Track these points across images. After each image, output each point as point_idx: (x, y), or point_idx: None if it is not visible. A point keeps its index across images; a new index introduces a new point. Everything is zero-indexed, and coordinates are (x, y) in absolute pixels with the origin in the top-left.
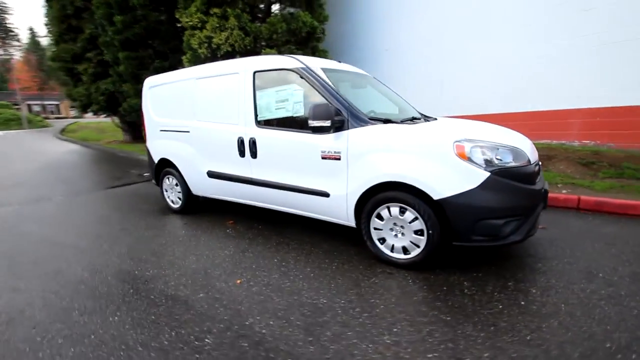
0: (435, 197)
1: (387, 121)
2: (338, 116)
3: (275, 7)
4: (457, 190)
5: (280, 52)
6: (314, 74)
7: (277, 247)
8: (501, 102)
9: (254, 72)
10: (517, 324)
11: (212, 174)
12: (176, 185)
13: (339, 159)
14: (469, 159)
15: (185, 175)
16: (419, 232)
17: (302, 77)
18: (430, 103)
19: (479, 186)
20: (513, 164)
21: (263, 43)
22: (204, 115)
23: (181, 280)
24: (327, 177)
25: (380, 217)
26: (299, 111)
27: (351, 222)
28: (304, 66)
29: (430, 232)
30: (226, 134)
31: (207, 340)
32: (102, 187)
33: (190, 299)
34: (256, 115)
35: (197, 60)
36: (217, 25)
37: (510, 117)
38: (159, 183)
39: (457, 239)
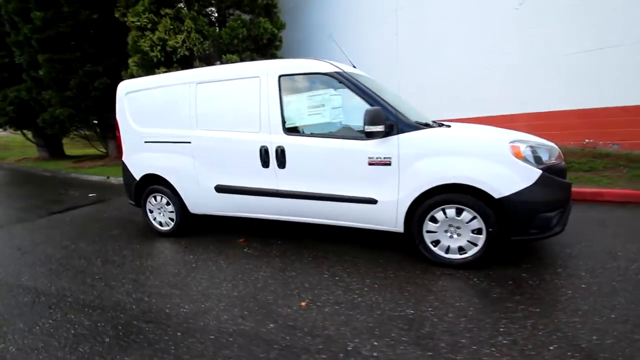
0: (497, 196)
1: (426, 125)
2: (388, 121)
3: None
4: (517, 188)
5: (241, 59)
6: (353, 79)
7: (315, 261)
8: (450, 108)
9: (279, 76)
10: (596, 305)
11: (222, 189)
12: (167, 204)
13: (389, 164)
14: (524, 158)
15: (182, 192)
16: (476, 231)
17: (340, 82)
18: None
19: (534, 183)
20: (554, 161)
21: (224, 48)
22: (211, 123)
23: (234, 312)
24: (375, 183)
25: (433, 219)
26: (338, 117)
27: (399, 227)
28: (340, 70)
29: (490, 229)
30: (243, 144)
31: None
32: (43, 214)
33: (262, 331)
34: (284, 122)
35: (148, 65)
36: (171, 27)
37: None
38: (142, 204)
39: (516, 234)
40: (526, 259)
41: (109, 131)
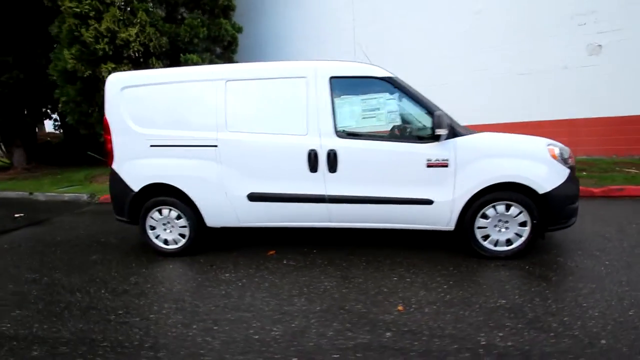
0: (541, 191)
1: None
2: (449, 125)
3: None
4: (556, 184)
5: (202, 60)
6: (406, 85)
7: (372, 266)
8: None
9: (330, 78)
10: (618, 274)
11: (256, 197)
12: (177, 218)
13: (447, 165)
14: (558, 159)
15: (201, 203)
16: (522, 224)
17: (395, 87)
18: None
19: (566, 179)
20: (571, 161)
21: (182, 47)
22: (244, 125)
23: (335, 327)
24: (431, 184)
25: (484, 216)
26: (394, 120)
27: (451, 226)
28: (394, 75)
29: (534, 222)
30: (287, 147)
31: None
32: None
33: (384, 341)
34: (335, 125)
35: (90, 58)
36: (121, 17)
37: None
38: (141, 220)
39: (553, 224)
40: (548, 247)
41: (16, 138)
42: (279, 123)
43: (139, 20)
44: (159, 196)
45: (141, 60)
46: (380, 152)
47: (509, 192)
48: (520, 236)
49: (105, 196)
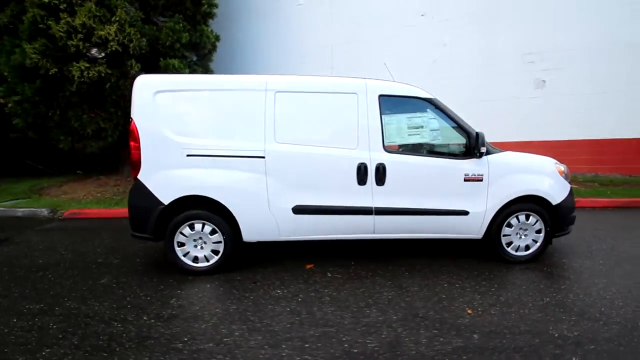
0: (554, 203)
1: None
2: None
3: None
4: (563, 197)
5: (182, 65)
6: (444, 105)
7: (417, 274)
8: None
9: (379, 96)
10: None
11: (302, 209)
12: (212, 233)
13: (481, 180)
14: (563, 175)
15: (241, 216)
16: (538, 232)
17: (437, 107)
18: None
19: (569, 193)
20: (569, 178)
21: (162, 50)
22: (293, 137)
23: (423, 333)
24: (468, 197)
25: (509, 225)
26: (436, 138)
27: (481, 234)
28: (434, 97)
29: (547, 229)
30: (337, 160)
31: None
32: None
33: (475, 343)
34: (383, 140)
35: (58, 54)
36: (98, 13)
37: None
38: (168, 236)
39: (559, 231)
40: (549, 252)
41: None
42: (328, 136)
43: (117, 19)
44: (191, 209)
45: (118, 61)
46: (424, 166)
47: (529, 203)
48: (536, 242)
49: (71, 211)
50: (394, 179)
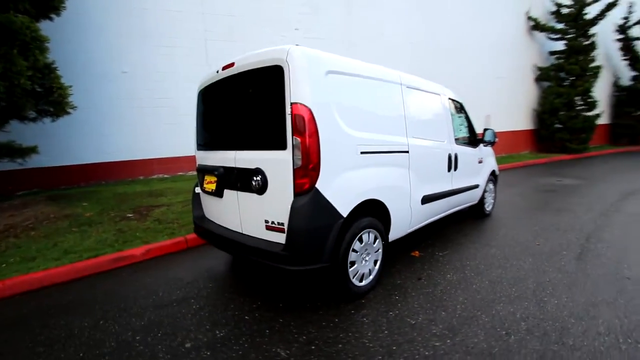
0: (497, 173)
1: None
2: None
3: None
4: (497, 170)
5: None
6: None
7: (506, 264)
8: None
9: (449, 98)
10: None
11: (426, 199)
12: (373, 242)
13: (482, 162)
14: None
15: (394, 215)
16: (493, 191)
17: (462, 109)
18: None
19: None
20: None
21: None
22: (417, 131)
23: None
24: (478, 174)
25: (489, 190)
26: (466, 133)
27: (477, 200)
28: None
29: (495, 188)
30: (440, 151)
31: None
32: None
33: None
34: (454, 134)
35: None
36: None
37: None
38: (342, 257)
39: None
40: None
41: None
42: (431, 130)
43: None
44: (363, 217)
45: None
46: (467, 154)
47: (491, 176)
48: (493, 201)
49: None
50: (460, 164)
